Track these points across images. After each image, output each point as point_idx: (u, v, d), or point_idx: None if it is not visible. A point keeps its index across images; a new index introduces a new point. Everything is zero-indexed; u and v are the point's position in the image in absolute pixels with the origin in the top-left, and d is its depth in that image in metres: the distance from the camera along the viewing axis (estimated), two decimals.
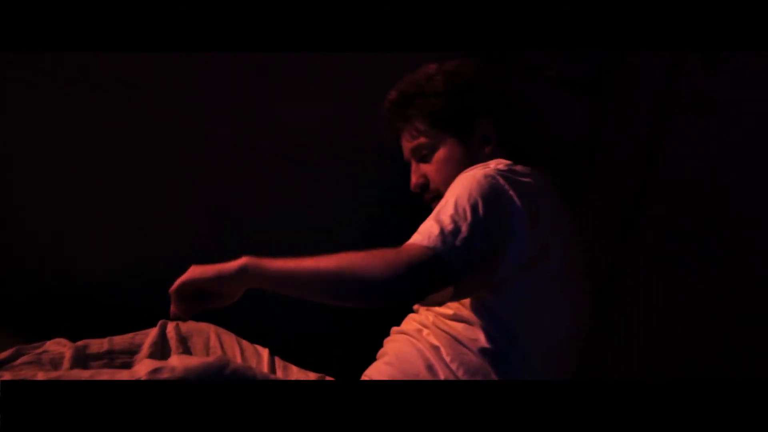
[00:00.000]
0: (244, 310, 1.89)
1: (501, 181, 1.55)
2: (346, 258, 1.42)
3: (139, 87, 2.41)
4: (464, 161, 1.73)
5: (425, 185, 1.80)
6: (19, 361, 1.55)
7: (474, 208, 1.49)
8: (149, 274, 2.50)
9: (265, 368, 1.78)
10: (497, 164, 1.61)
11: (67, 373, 1.52)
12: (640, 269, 2.50)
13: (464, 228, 1.46)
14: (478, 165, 1.63)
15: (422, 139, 1.77)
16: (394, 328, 1.74)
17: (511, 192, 1.54)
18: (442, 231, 1.45)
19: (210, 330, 1.79)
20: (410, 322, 1.71)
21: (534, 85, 2.37)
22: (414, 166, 1.83)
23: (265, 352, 1.82)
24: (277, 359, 1.82)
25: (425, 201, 1.82)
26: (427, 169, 1.79)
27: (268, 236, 2.49)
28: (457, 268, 1.45)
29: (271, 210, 2.47)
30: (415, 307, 1.76)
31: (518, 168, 1.62)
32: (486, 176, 1.54)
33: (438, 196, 1.76)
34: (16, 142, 2.47)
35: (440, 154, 1.76)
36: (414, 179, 1.81)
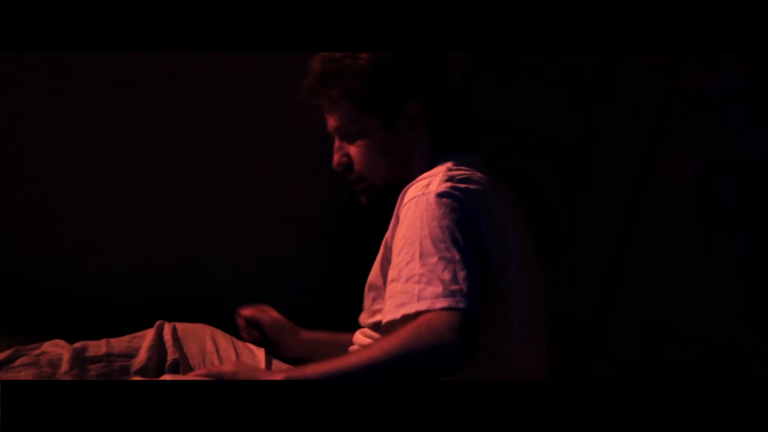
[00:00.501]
0: (234, 316, 1.89)
1: (458, 195, 1.48)
2: (389, 350, 1.35)
3: (139, 87, 2.41)
4: (390, 146, 1.63)
5: (349, 165, 1.68)
6: (18, 362, 1.55)
7: (455, 241, 1.43)
8: (149, 274, 2.50)
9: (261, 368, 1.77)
10: (443, 177, 1.51)
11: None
12: (640, 269, 2.50)
13: (459, 268, 1.41)
14: (422, 181, 1.54)
15: (346, 120, 1.64)
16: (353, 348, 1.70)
17: (471, 206, 1.48)
18: (444, 285, 1.40)
19: (206, 334, 1.77)
20: (362, 338, 1.68)
21: (534, 85, 2.37)
22: (337, 143, 1.70)
23: (261, 353, 1.80)
24: (273, 360, 1.81)
25: (349, 180, 1.70)
26: (350, 150, 1.66)
27: (268, 236, 2.49)
28: (477, 307, 1.41)
29: (271, 210, 2.47)
30: (366, 322, 1.70)
31: (462, 173, 1.54)
32: (442, 197, 1.47)
33: (361, 179, 1.68)
34: (16, 142, 2.47)
35: (364, 137, 1.64)
36: (336, 158, 1.69)
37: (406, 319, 1.41)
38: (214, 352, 1.74)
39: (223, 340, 1.78)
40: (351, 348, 1.68)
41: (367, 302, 1.65)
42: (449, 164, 1.57)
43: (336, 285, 2.46)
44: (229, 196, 2.47)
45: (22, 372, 1.53)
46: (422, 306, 1.39)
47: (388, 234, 1.56)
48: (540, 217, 2.54)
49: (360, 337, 1.68)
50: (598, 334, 2.55)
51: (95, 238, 2.51)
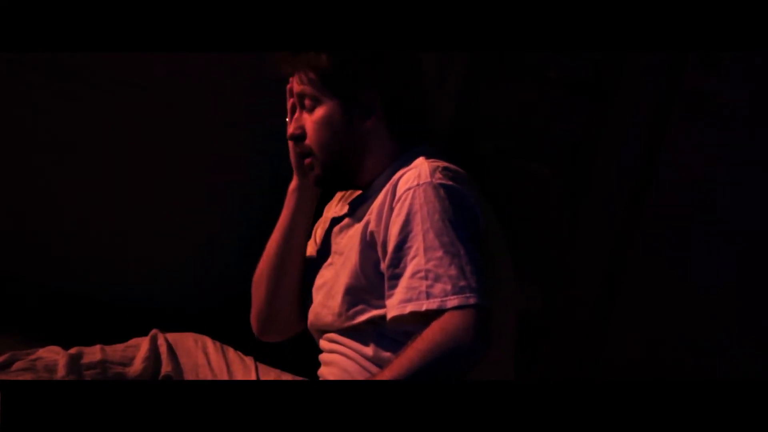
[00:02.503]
0: (234, 316, 1.88)
1: (454, 185, 1.49)
2: (411, 369, 1.38)
3: (139, 87, 2.41)
4: (342, 128, 1.64)
5: (300, 136, 1.70)
6: (15, 367, 1.56)
7: (459, 235, 1.45)
8: (149, 275, 2.51)
9: (252, 378, 1.76)
10: (430, 168, 1.52)
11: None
12: (640, 269, 2.51)
13: (464, 262, 1.42)
14: (410, 172, 1.54)
15: (308, 89, 1.67)
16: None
17: (469, 197, 1.50)
18: (452, 281, 1.41)
19: (198, 347, 1.76)
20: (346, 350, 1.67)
21: (534, 85, 2.38)
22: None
23: (250, 361, 1.80)
24: (261, 366, 1.80)
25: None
26: (306, 121, 1.69)
27: (268, 236, 2.49)
28: (486, 299, 1.41)
29: (271, 211, 2.47)
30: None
31: (446, 164, 1.55)
32: (440, 188, 1.48)
33: (309, 154, 1.69)
34: (16, 142, 2.47)
35: (320, 111, 1.66)
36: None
37: (415, 316, 1.42)
38: (206, 365, 1.74)
39: (214, 351, 1.77)
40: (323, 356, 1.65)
41: (341, 307, 1.59)
42: (424, 156, 1.57)
43: None
44: (230, 197, 2.48)
45: (19, 376, 1.54)
46: (433, 305, 1.41)
47: (372, 227, 1.55)
48: (540, 217, 2.55)
49: (326, 344, 1.64)
50: (598, 334, 2.55)
51: (95, 238, 2.51)
